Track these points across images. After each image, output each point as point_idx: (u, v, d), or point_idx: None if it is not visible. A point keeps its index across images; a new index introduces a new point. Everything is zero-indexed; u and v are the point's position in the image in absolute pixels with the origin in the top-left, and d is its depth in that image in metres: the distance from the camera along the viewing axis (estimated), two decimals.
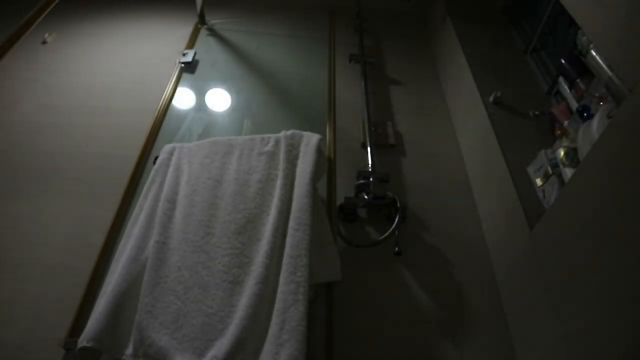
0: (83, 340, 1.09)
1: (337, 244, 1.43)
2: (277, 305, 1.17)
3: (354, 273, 1.63)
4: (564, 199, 1.34)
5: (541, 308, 1.38)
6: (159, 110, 1.86)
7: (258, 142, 1.54)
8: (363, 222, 1.83)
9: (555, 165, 1.55)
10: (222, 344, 1.11)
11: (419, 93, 2.47)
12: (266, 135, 1.56)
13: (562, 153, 1.54)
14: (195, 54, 2.16)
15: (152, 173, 1.48)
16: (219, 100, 2.02)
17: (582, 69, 1.66)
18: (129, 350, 1.13)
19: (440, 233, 1.81)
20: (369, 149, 1.98)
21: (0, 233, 1.66)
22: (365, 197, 1.79)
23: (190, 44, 2.24)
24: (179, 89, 2.00)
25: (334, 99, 1.94)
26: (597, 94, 1.50)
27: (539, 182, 1.60)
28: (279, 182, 1.41)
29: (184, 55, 2.14)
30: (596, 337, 1.13)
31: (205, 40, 2.31)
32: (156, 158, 1.55)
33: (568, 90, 1.73)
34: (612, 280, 1.09)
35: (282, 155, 1.49)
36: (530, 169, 1.66)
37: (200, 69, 2.13)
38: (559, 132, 1.66)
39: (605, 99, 1.45)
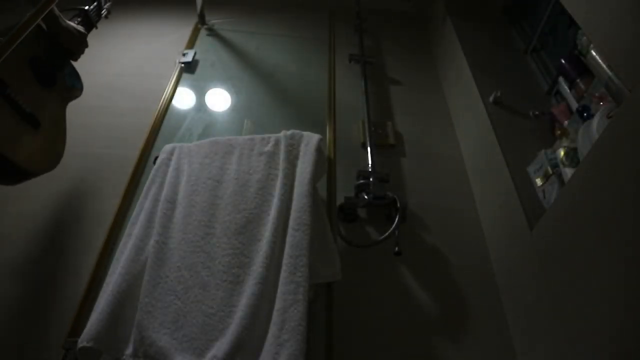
0: (83, 340, 1.09)
1: (337, 244, 1.43)
2: (277, 305, 1.17)
3: (354, 273, 1.63)
4: (564, 199, 1.34)
5: (541, 308, 1.38)
6: (159, 110, 1.86)
7: (258, 142, 1.54)
8: (363, 222, 1.83)
9: (555, 165, 1.55)
10: (222, 344, 1.11)
11: (419, 93, 2.47)
12: (266, 135, 1.56)
13: (562, 153, 1.54)
14: (195, 54, 2.16)
15: (152, 173, 1.48)
16: (219, 100, 2.02)
17: (582, 69, 1.66)
18: (129, 350, 1.13)
19: (440, 233, 1.81)
20: (369, 149, 1.97)
21: (0, 233, 1.66)
22: (365, 197, 1.79)
23: (190, 44, 2.24)
24: (179, 89, 2.00)
25: (334, 99, 1.94)
26: (597, 94, 1.50)
27: (539, 182, 1.60)
28: (279, 182, 1.41)
29: (184, 55, 2.14)
30: (596, 337, 1.13)
31: (205, 40, 2.31)
32: (156, 158, 1.55)
33: (568, 90, 1.73)
34: (612, 280, 1.09)
35: (282, 155, 1.48)
36: (530, 169, 1.66)
37: (200, 69, 2.13)
38: (559, 132, 1.66)
39: (605, 99, 1.45)
